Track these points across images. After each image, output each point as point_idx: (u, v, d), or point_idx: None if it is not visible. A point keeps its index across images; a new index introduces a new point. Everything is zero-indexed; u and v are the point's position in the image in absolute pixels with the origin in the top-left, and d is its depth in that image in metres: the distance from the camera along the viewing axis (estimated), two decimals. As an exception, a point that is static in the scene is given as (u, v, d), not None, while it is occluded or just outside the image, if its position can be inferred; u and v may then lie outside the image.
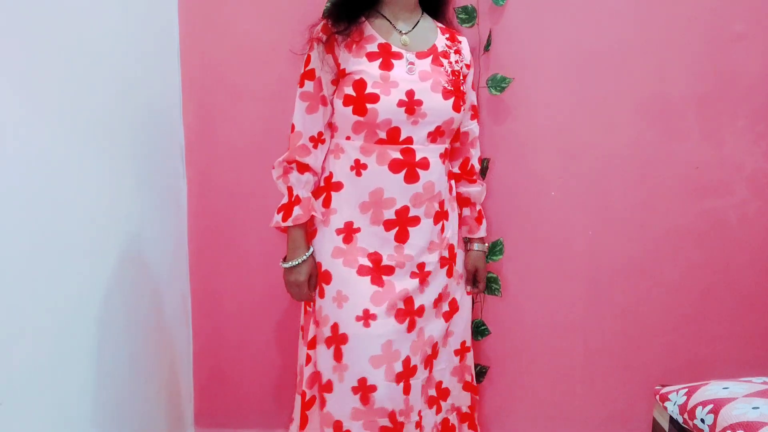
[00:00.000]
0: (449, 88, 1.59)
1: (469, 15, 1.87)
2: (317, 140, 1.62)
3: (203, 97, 1.99)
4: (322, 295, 1.61)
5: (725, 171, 1.92)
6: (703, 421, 1.42)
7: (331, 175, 1.62)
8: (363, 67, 1.55)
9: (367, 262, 1.59)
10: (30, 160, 1.31)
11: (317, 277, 1.63)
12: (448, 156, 1.67)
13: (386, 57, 1.57)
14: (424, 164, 1.58)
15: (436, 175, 1.60)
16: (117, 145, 1.63)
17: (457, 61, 1.65)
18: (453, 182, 1.74)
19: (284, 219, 1.60)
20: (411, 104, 1.54)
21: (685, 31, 1.87)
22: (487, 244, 1.85)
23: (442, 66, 1.61)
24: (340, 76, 1.58)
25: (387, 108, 1.53)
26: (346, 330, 1.56)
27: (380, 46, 1.58)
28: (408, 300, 1.61)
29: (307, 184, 1.63)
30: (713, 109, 1.90)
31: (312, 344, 1.64)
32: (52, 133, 1.37)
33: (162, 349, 1.90)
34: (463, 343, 1.76)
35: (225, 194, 2.02)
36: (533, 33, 1.89)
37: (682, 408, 1.50)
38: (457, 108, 1.59)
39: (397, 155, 1.56)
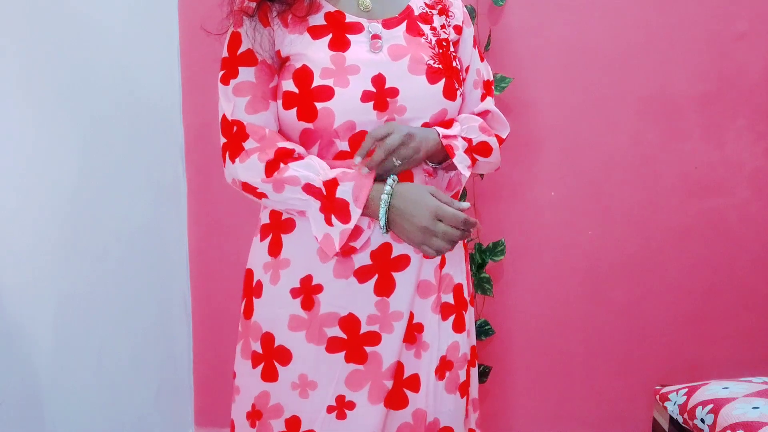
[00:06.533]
0: (436, 65, 1.13)
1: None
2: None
3: (203, 97, 1.99)
4: (273, 378, 1.16)
5: (726, 170, 1.92)
6: (703, 421, 1.42)
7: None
8: (304, 49, 1.10)
9: (339, 333, 1.13)
10: (29, 160, 1.31)
11: None
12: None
13: (338, 31, 1.12)
14: (406, 180, 1.12)
15: None
16: (117, 145, 1.63)
17: (443, 26, 1.19)
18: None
19: (356, 202, 1.07)
20: (381, 96, 1.09)
21: (686, 30, 1.87)
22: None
23: (423, 35, 1.15)
24: (278, 63, 1.14)
25: (347, 106, 1.08)
26: (313, 426, 1.14)
27: (328, 16, 1.13)
28: (397, 371, 1.15)
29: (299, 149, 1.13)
30: (714, 108, 1.90)
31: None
32: (52, 133, 1.38)
33: (162, 348, 1.90)
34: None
35: (225, 194, 2.01)
36: (533, 33, 1.89)
37: (682, 408, 1.50)
38: (450, 93, 1.14)
39: None
